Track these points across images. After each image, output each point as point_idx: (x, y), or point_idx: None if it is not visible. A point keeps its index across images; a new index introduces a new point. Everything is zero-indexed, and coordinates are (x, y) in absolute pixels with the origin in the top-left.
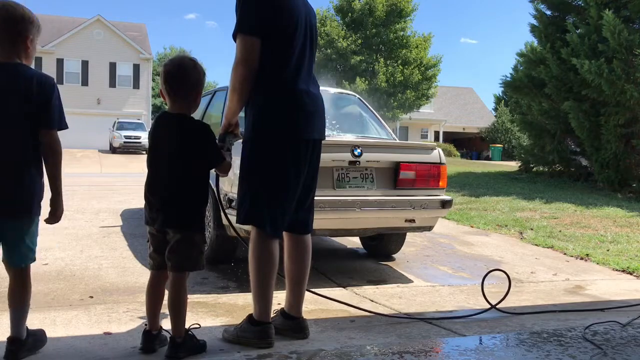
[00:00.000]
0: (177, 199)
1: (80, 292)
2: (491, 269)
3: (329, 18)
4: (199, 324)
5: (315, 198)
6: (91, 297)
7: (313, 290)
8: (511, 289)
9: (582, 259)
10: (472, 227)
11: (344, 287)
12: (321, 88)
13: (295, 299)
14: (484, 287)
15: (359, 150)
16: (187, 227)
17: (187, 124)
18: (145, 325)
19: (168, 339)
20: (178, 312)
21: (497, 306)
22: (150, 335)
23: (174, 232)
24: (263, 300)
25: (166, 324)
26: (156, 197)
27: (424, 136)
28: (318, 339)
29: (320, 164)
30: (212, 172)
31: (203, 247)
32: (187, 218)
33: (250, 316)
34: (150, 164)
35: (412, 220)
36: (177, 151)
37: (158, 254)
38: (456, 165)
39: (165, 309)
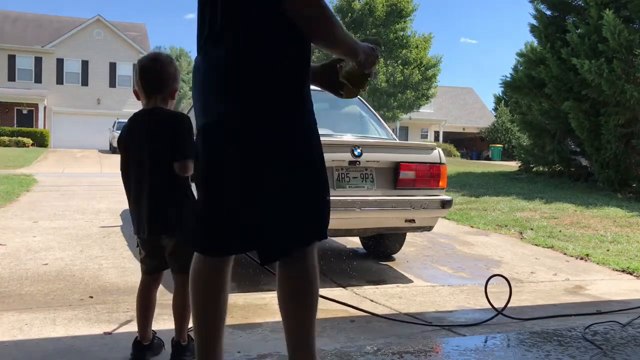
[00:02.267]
0: (165, 203)
1: (80, 292)
2: (493, 274)
3: None
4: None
5: None
6: (91, 297)
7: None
8: (512, 289)
9: (582, 259)
10: (472, 227)
11: (344, 287)
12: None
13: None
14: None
15: (359, 150)
16: (180, 229)
17: (161, 115)
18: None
19: (160, 346)
20: (185, 315)
21: (503, 312)
22: (142, 347)
23: (169, 237)
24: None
25: (159, 325)
26: (142, 205)
27: (424, 136)
28: (318, 339)
29: None
30: None
31: None
32: (179, 220)
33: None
34: (128, 169)
35: (412, 220)
36: (157, 146)
37: (152, 258)
38: (456, 165)
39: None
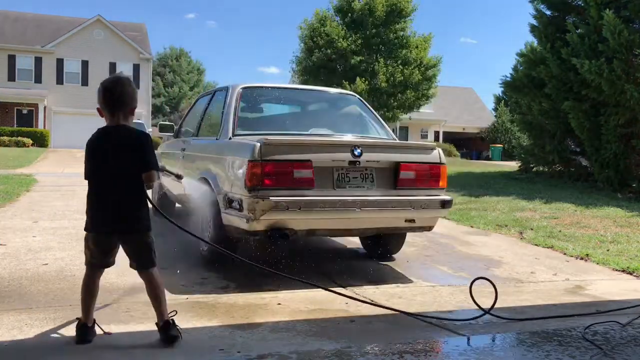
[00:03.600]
0: (126, 207)
1: (80, 292)
2: (476, 277)
3: (328, 18)
4: (175, 311)
5: (315, 198)
6: None
7: (312, 282)
8: (512, 289)
9: (582, 259)
10: (472, 227)
11: (344, 287)
12: (321, 88)
13: None
14: (490, 288)
15: (359, 150)
16: (139, 231)
17: (126, 132)
18: (79, 319)
19: (101, 331)
20: (160, 300)
21: (490, 312)
22: (86, 328)
23: (129, 239)
24: None
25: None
26: (105, 209)
27: (424, 136)
28: (318, 339)
29: (320, 164)
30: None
31: (153, 243)
32: (138, 223)
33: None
34: (92, 176)
35: (412, 220)
36: (120, 160)
37: (104, 255)
38: (456, 165)
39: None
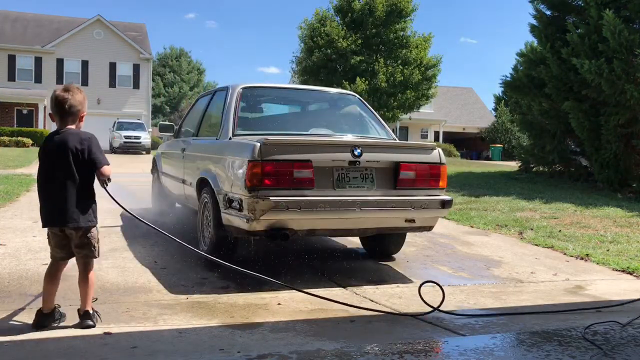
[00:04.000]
0: (73, 203)
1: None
2: (425, 280)
3: (328, 18)
4: (96, 297)
5: (315, 198)
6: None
7: (306, 291)
8: (512, 289)
9: (582, 259)
10: (472, 227)
11: (344, 287)
12: (321, 88)
13: None
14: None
15: (359, 150)
16: (84, 225)
17: (75, 135)
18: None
19: (62, 315)
20: (88, 290)
21: (439, 308)
22: (44, 315)
23: (75, 231)
24: None
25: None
26: (54, 203)
27: (424, 136)
28: (318, 339)
29: (320, 164)
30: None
31: (98, 236)
32: (84, 218)
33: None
34: (44, 174)
35: (412, 220)
36: (69, 159)
37: (60, 249)
38: (456, 165)
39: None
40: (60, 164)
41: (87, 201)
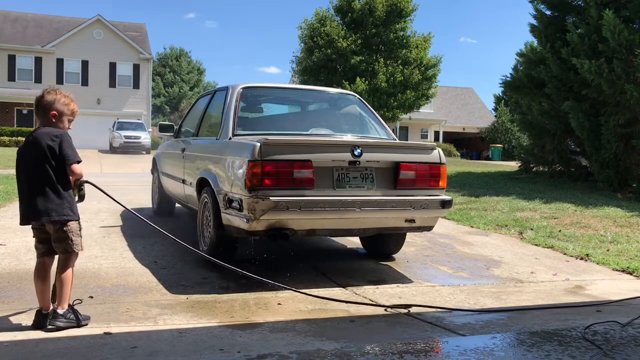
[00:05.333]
0: (47, 198)
1: (80, 292)
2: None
3: (328, 18)
4: (80, 300)
5: (315, 198)
6: (91, 297)
7: (303, 291)
8: (512, 289)
9: (582, 259)
10: (472, 227)
11: (344, 287)
12: (321, 88)
13: None
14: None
15: (359, 150)
16: (58, 218)
17: (46, 133)
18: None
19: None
20: (63, 287)
21: (390, 308)
22: (43, 315)
23: (53, 225)
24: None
25: (158, 324)
26: (29, 199)
27: (424, 136)
28: (318, 338)
29: (320, 164)
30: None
31: (79, 231)
32: (60, 212)
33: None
34: (18, 172)
35: (412, 220)
36: (41, 156)
37: (42, 244)
38: (456, 165)
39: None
40: (33, 162)
41: (62, 195)
